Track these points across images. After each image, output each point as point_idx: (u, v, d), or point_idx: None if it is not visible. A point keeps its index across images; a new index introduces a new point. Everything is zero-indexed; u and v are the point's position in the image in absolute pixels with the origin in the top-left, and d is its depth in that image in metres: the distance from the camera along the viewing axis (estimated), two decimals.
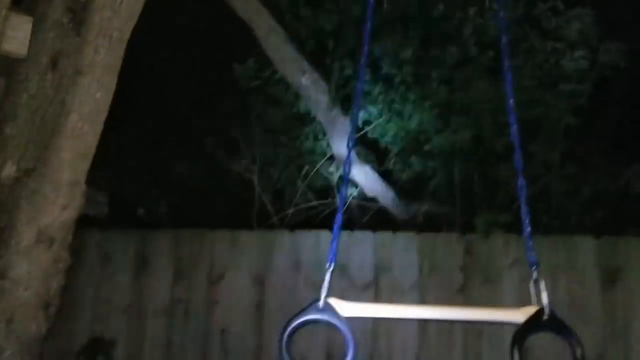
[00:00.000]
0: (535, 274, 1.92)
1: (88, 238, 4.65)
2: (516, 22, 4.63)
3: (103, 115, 2.45)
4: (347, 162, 2.21)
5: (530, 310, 1.84)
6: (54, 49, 2.48)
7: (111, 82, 2.46)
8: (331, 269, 2.00)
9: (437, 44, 4.82)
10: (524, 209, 2.14)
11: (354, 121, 2.65)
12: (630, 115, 5.21)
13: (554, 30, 4.59)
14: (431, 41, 4.84)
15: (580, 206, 4.79)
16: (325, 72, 4.64)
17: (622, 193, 4.89)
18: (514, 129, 2.32)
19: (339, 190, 4.84)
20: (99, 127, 2.45)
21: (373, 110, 4.98)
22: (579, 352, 1.80)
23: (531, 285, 1.88)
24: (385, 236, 4.29)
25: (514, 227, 4.26)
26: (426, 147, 4.87)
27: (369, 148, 5.00)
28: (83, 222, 2.58)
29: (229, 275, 4.41)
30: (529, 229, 2.06)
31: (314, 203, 4.91)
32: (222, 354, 4.33)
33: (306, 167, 5.03)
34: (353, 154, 4.74)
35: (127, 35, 2.63)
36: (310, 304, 1.88)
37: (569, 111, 4.74)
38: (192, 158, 5.15)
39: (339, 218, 2.11)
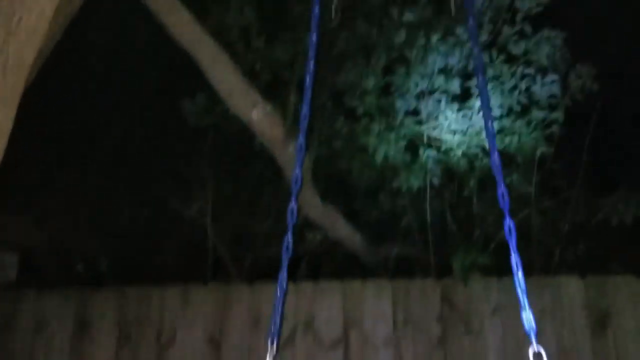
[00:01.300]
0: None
1: (20, 301, 4.13)
2: (481, 47, 4.36)
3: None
4: (292, 204, 1.90)
5: None
6: None
7: (7, 113, 2.01)
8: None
9: (401, 73, 4.51)
10: (515, 258, 1.83)
11: (299, 154, 2.32)
12: (604, 142, 4.99)
13: (523, 54, 4.33)
14: (394, 70, 4.53)
15: (560, 241, 4.49)
16: (280, 105, 4.27)
17: (601, 225, 4.61)
18: (496, 157, 2.01)
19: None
20: None
21: (336, 144, 4.62)
22: None
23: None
24: (354, 285, 3.87)
25: (493, 269, 3.92)
26: (394, 184, 4.52)
27: (332, 186, 4.61)
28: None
29: (181, 337, 3.93)
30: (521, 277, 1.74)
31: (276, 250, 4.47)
32: None
33: (267, 210, 4.62)
34: (315, 194, 4.39)
35: (29, 60, 2.20)
36: None
37: (542, 140, 4.47)
38: (139, 203, 4.67)
39: (282, 277, 1.81)
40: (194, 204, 4.56)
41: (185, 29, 3.47)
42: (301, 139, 2.20)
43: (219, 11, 4.41)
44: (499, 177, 1.95)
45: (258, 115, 3.74)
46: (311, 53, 2.37)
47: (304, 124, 2.22)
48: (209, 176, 4.64)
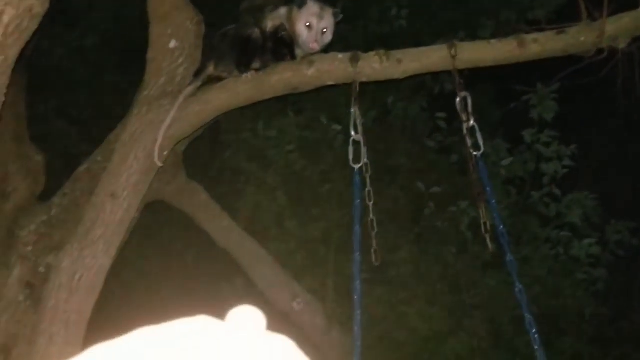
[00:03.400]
0: None
1: None
2: (512, 211, 4.40)
3: None
4: None
5: None
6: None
7: None
8: None
9: (434, 242, 4.54)
10: None
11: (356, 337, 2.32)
12: None
13: (556, 217, 4.34)
14: (428, 240, 4.57)
15: None
16: (319, 285, 4.29)
17: None
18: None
19: None
20: None
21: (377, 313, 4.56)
22: None
23: None
24: None
25: None
26: (441, 351, 4.39)
27: None
28: None
29: None
30: None
31: None
32: None
33: None
34: None
35: (86, 318, 2.31)
36: None
37: (588, 298, 4.37)
38: None
39: None
40: None
41: (224, 233, 3.61)
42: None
43: (250, 198, 4.61)
44: None
45: (299, 306, 3.75)
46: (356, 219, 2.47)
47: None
48: None
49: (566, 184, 4.38)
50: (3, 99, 2.12)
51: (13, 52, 2.09)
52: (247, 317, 0.41)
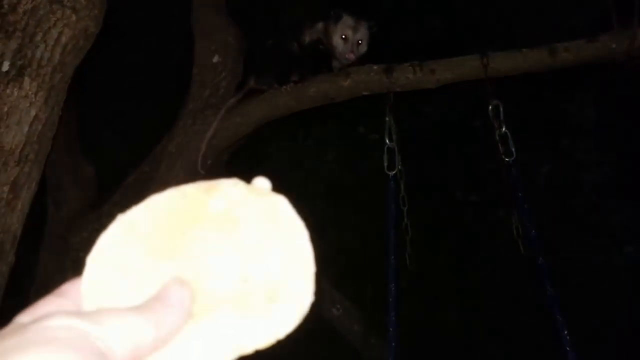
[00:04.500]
0: None
1: None
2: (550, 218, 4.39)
3: None
4: None
5: None
6: None
7: None
8: None
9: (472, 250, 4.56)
10: None
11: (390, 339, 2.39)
12: None
13: (595, 225, 4.31)
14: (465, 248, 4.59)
15: None
16: (357, 293, 4.35)
17: None
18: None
19: None
20: None
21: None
22: None
23: None
24: None
25: None
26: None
27: None
28: None
29: None
30: None
31: None
32: None
33: None
34: None
35: None
36: None
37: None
38: None
39: None
40: None
41: None
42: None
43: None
44: None
45: (338, 312, 3.83)
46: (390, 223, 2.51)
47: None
48: None
49: (606, 191, 4.35)
50: (60, 113, 2.29)
51: (70, 70, 2.26)
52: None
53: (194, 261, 0.58)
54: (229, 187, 0.64)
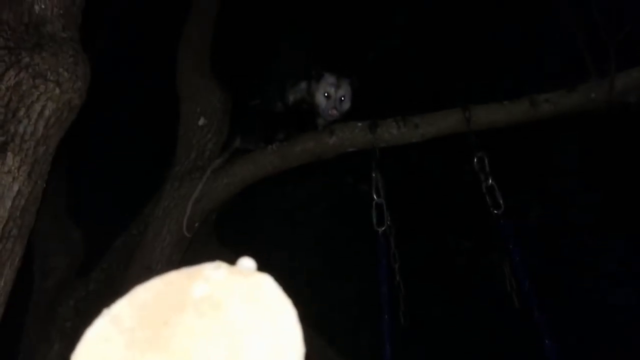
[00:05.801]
0: None
1: None
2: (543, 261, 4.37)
3: None
4: None
5: None
6: None
7: None
8: None
9: (468, 297, 4.51)
10: None
11: None
12: None
13: (591, 265, 4.29)
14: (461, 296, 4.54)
15: None
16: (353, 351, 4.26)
17: None
18: None
19: None
20: None
21: None
22: None
23: None
24: None
25: None
26: None
27: None
28: None
29: None
30: None
31: None
32: None
33: None
34: None
35: None
36: None
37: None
38: None
39: None
40: None
41: None
42: None
43: (282, 260, 4.67)
44: None
45: None
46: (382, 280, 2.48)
47: None
48: None
49: (598, 231, 4.34)
50: (44, 185, 2.26)
51: (54, 142, 2.25)
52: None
53: (178, 351, 0.57)
54: (212, 271, 0.64)
